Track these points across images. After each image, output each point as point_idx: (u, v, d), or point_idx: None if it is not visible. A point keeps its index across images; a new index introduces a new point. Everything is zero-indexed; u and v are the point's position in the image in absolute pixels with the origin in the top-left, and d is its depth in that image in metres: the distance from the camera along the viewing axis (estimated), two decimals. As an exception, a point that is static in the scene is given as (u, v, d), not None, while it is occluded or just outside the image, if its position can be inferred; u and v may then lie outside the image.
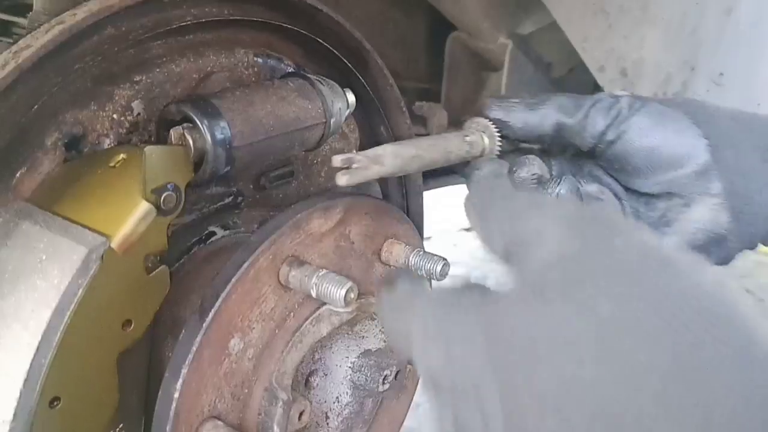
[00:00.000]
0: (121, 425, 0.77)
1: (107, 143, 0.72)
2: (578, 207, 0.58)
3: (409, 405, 0.97)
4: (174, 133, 0.71)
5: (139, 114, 0.73)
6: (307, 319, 0.75)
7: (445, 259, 0.81)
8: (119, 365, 0.74)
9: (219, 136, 0.70)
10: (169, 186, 0.68)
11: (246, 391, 0.72)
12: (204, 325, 0.66)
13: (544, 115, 0.79)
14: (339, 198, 0.77)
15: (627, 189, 0.83)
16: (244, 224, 0.87)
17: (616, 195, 0.84)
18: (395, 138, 1.01)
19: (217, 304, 0.66)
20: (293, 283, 0.71)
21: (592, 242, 0.46)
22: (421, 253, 0.81)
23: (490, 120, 0.80)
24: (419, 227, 1.08)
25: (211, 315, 0.66)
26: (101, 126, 0.71)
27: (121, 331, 0.73)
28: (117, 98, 0.72)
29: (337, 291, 0.68)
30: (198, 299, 0.74)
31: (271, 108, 0.75)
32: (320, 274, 0.70)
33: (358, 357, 0.83)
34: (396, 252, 0.82)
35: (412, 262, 0.81)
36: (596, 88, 1.56)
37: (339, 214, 0.77)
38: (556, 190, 0.78)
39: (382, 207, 0.83)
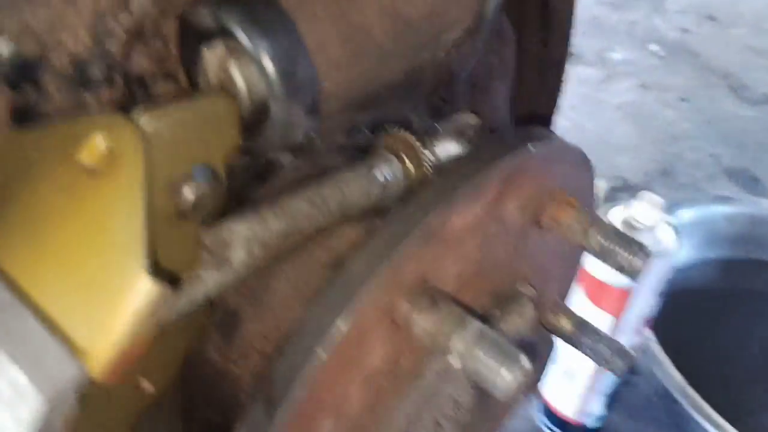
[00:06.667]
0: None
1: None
2: None
3: None
4: (209, 59, 0.37)
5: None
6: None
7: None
8: None
9: (291, 69, 0.37)
10: (196, 173, 0.36)
11: None
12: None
13: None
14: (494, 168, 0.44)
15: None
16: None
17: None
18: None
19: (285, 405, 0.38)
20: (418, 334, 0.41)
21: None
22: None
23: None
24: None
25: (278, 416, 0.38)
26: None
27: None
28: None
29: (497, 371, 0.39)
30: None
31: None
32: (470, 329, 0.40)
33: None
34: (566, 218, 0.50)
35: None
36: None
37: (493, 192, 0.45)
38: None
39: (552, 155, 0.50)
